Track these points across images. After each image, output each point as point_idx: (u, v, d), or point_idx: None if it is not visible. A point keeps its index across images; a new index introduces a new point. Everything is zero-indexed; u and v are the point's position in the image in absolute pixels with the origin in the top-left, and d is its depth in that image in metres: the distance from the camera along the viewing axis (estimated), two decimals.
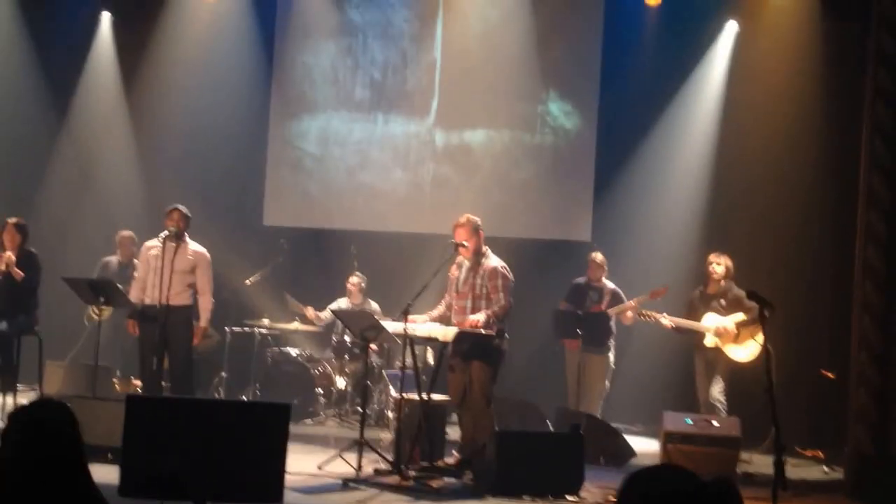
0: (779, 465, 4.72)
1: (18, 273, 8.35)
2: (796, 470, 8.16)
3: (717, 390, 8.69)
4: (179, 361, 8.25)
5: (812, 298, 10.15)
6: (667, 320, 8.76)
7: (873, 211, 7.77)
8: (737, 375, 8.73)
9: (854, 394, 7.72)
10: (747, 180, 10.74)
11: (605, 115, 11.50)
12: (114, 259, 10.61)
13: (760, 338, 8.29)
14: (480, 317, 7.16)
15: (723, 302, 8.72)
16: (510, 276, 7.36)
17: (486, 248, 7.40)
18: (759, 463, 7.97)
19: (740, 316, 8.57)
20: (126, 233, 10.66)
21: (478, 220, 7.40)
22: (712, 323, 8.65)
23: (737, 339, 8.58)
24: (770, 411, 4.76)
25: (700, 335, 8.74)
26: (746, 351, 8.56)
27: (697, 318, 8.75)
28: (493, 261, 7.35)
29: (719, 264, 8.78)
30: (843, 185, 9.24)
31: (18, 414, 2.77)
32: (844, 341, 8.24)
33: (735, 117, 10.87)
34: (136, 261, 10.26)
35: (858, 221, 7.93)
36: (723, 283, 8.77)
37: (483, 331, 7.10)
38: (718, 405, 8.64)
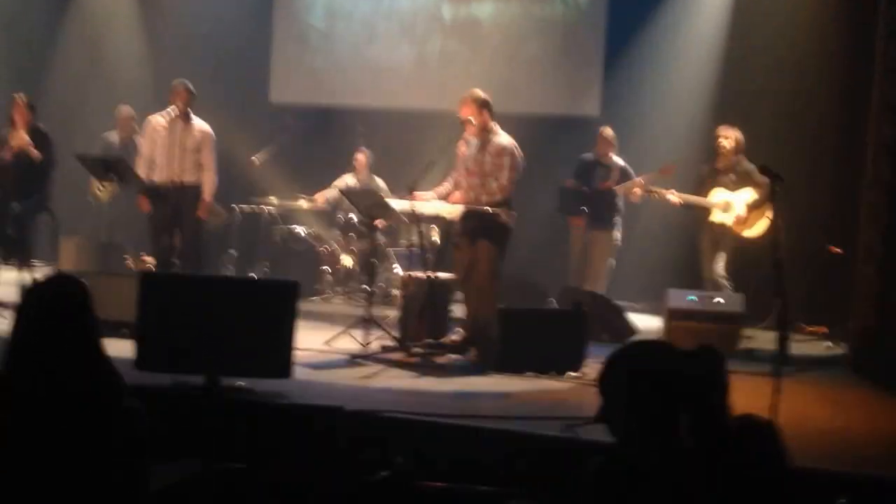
0: (782, 341, 4.78)
1: (36, 153, 8.36)
2: (799, 345, 8.26)
3: (722, 266, 8.71)
4: (190, 239, 8.33)
5: (821, 172, 10.09)
6: (674, 197, 8.72)
7: (888, 81, 7.64)
8: (742, 251, 8.75)
9: (860, 269, 7.74)
10: (759, 53, 10.57)
11: None
12: (114, 135, 10.58)
13: (769, 214, 8.28)
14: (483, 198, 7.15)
15: (732, 176, 8.64)
16: (518, 154, 7.23)
17: (494, 125, 7.31)
18: (761, 339, 8.05)
19: (750, 194, 8.51)
20: (125, 109, 10.62)
21: (485, 96, 7.28)
22: (720, 199, 8.62)
23: (746, 221, 8.55)
24: (777, 287, 4.80)
25: (707, 212, 8.72)
26: (754, 228, 8.55)
27: (706, 194, 8.69)
28: (502, 138, 7.24)
29: (727, 138, 8.66)
30: (858, 54, 9.09)
31: (33, 289, 2.82)
32: (851, 215, 8.24)
33: None
34: (136, 137, 10.28)
35: (873, 94, 7.81)
36: (732, 157, 8.69)
37: (490, 209, 7.10)
38: (723, 281, 8.68)
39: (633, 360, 2.56)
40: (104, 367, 2.73)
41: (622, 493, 2.40)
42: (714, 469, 2.40)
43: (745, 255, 8.74)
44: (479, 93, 7.24)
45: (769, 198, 8.12)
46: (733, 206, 8.55)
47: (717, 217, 8.62)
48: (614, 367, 2.56)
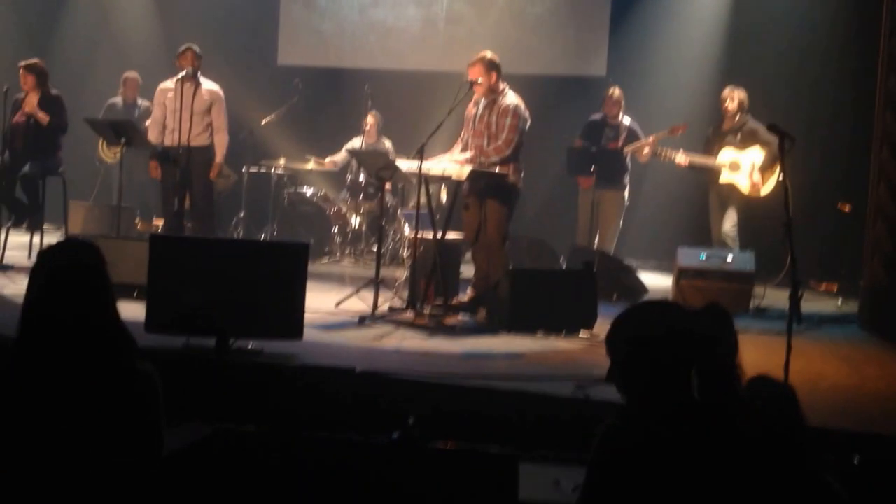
0: (794, 300, 4.75)
1: (44, 117, 8.33)
2: (810, 304, 8.24)
3: (730, 224, 8.70)
4: (201, 201, 8.30)
5: (830, 130, 10.05)
6: (681, 157, 8.72)
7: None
8: (751, 209, 8.73)
9: (871, 226, 7.71)
10: (767, 11, 10.51)
11: None
12: (118, 100, 10.58)
13: (777, 173, 8.29)
14: (489, 150, 7.13)
15: (738, 136, 8.64)
16: (523, 115, 7.16)
17: (503, 86, 7.25)
18: (772, 297, 8.04)
19: (757, 153, 8.49)
20: (131, 74, 10.61)
21: (493, 56, 7.23)
22: (727, 158, 8.61)
23: (761, 185, 8.53)
24: (787, 246, 4.77)
25: (715, 172, 8.70)
26: (766, 187, 8.54)
27: (713, 155, 8.70)
28: (509, 98, 7.18)
29: (732, 99, 8.68)
30: (866, 13, 9.03)
31: (47, 253, 2.80)
32: (862, 173, 8.20)
33: None
34: (140, 100, 10.28)
35: (881, 51, 7.75)
36: (738, 117, 8.68)
37: (497, 169, 7.07)
38: (730, 239, 8.68)
39: (640, 320, 2.54)
40: (118, 331, 2.73)
41: (629, 454, 2.39)
42: (724, 428, 2.38)
43: (754, 213, 8.72)
44: (488, 54, 7.19)
45: (778, 156, 8.13)
46: (741, 166, 8.54)
47: (725, 177, 8.61)
48: (621, 327, 2.54)
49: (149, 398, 2.69)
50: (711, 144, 8.78)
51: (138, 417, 2.66)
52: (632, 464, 2.38)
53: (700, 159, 8.72)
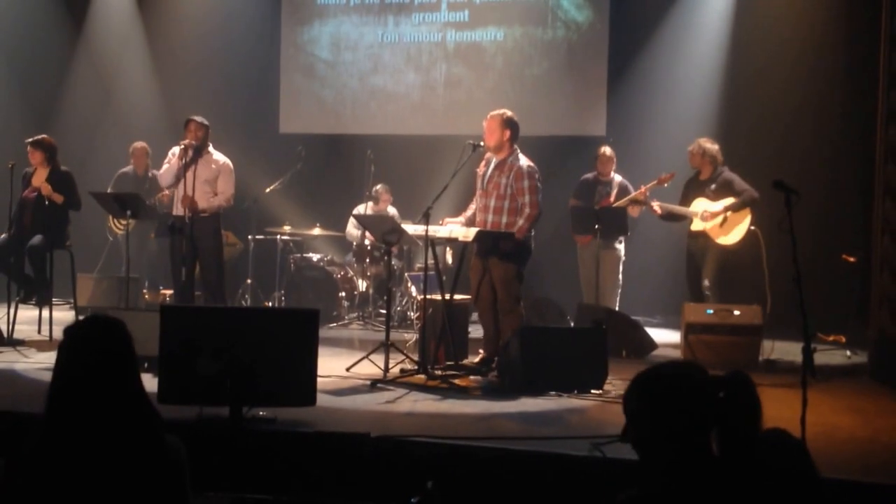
0: (807, 353, 4.76)
1: (58, 198, 8.37)
2: (819, 355, 8.22)
3: (707, 282, 8.66)
4: (212, 271, 8.26)
5: (833, 183, 10.12)
6: (656, 206, 8.80)
7: (892, 86, 7.65)
8: (727, 259, 8.74)
9: (877, 277, 7.72)
10: (763, 67, 10.63)
11: (617, 5, 11.41)
12: (129, 170, 10.65)
13: (747, 223, 8.34)
14: (523, 224, 7.15)
15: (713, 186, 8.67)
16: (538, 176, 7.24)
17: (515, 147, 7.28)
18: (780, 350, 8.04)
19: (729, 200, 8.53)
20: (140, 144, 10.69)
21: (512, 115, 7.27)
22: (699, 207, 8.64)
23: (722, 224, 8.55)
24: (797, 300, 4.79)
25: (689, 221, 8.74)
26: (732, 236, 8.53)
27: (688, 204, 8.75)
28: (521, 161, 7.23)
29: (694, 153, 8.74)
30: (864, 66, 9.15)
31: (73, 330, 2.81)
32: (866, 225, 8.24)
33: (750, 4, 10.74)
34: (151, 171, 10.33)
35: (880, 102, 7.83)
36: (709, 167, 8.68)
37: (504, 230, 7.11)
38: (707, 293, 8.63)
39: (660, 379, 2.52)
40: (145, 405, 2.75)
41: None
42: (742, 490, 2.36)
43: (731, 264, 8.76)
44: (508, 112, 7.29)
45: (746, 203, 8.19)
46: (712, 215, 8.56)
47: (696, 226, 8.65)
48: (640, 386, 2.51)
49: (177, 471, 2.71)
50: (688, 194, 8.82)
51: (167, 491, 2.67)
52: None
53: (670, 208, 8.78)
